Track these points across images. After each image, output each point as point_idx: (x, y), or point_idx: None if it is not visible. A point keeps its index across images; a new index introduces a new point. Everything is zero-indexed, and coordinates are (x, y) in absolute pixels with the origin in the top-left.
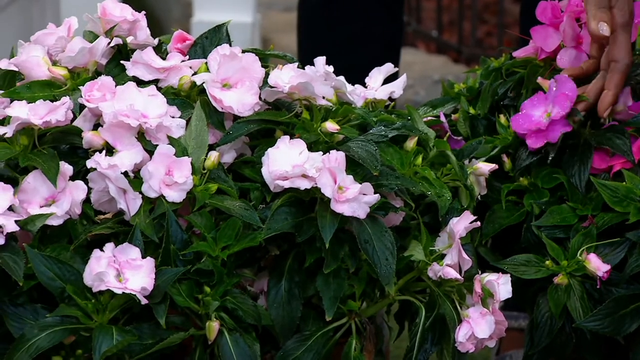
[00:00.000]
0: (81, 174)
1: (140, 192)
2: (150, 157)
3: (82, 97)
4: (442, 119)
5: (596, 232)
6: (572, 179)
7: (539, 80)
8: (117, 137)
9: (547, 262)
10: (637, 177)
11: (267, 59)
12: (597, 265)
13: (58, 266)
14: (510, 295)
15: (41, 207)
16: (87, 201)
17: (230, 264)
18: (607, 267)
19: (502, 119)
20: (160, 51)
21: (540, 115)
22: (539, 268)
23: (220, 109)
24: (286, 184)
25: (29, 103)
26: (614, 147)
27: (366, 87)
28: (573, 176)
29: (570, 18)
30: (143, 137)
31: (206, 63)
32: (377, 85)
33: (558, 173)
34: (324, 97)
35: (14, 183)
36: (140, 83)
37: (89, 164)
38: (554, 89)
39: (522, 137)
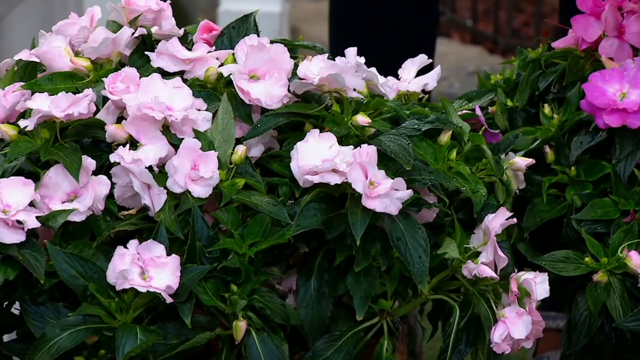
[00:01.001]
0: (104, 168)
1: (165, 188)
2: (176, 151)
3: (105, 89)
4: (478, 112)
5: (639, 228)
6: (617, 168)
7: (603, 58)
8: (141, 130)
9: (587, 259)
10: None
11: (296, 50)
12: (638, 263)
13: (80, 263)
14: (547, 295)
15: (63, 202)
16: (110, 197)
17: (258, 261)
18: None
19: (547, 109)
20: (186, 42)
21: (614, 92)
22: (577, 265)
23: (247, 102)
24: (316, 179)
25: (50, 95)
26: None
27: (399, 79)
28: (619, 164)
29: (612, 7)
30: (168, 131)
31: (233, 54)
32: (410, 77)
33: (603, 164)
34: (355, 90)
35: (35, 178)
36: (165, 75)
37: (112, 158)
38: (633, 68)
39: (591, 111)
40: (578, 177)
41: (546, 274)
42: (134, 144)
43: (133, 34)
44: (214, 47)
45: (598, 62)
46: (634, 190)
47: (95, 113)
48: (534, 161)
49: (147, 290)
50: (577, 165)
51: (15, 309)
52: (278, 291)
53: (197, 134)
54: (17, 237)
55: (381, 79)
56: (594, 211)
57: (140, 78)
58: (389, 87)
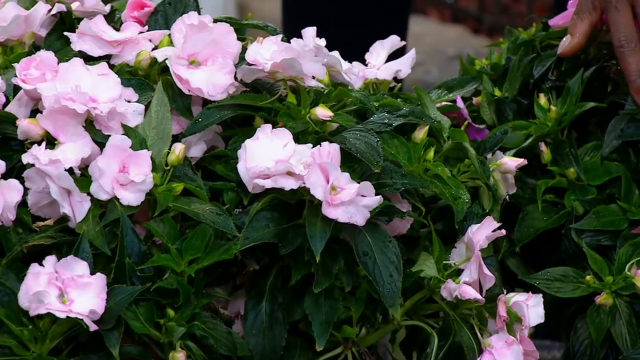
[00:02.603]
0: (15, 171)
1: (89, 194)
2: (101, 150)
3: (16, 76)
4: (460, 103)
5: None
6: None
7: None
8: (60, 125)
9: (588, 278)
10: None
11: (244, 30)
12: None
13: None
14: (542, 320)
15: None
16: (22, 204)
17: (199, 281)
18: None
19: (543, 99)
20: (113, 20)
21: None
22: (577, 285)
23: (186, 92)
24: (267, 184)
25: None
26: None
27: (366, 65)
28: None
29: None
30: (92, 126)
31: (169, 35)
32: (379, 63)
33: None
34: (313, 77)
35: None
36: (89, 59)
37: (25, 158)
38: None
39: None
40: (579, 180)
41: (540, 295)
42: (51, 142)
43: (50, 11)
44: (146, 27)
45: (603, 44)
46: None
47: (5, 106)
48: (526, 161)
49: (67, 316)
50: (579, 167)
51: None
52: (223, 316)
53: (127, 130)
54: None
55: (345, 64)
56: (597, 220)
57: (58, 64)
58: (354, 74)
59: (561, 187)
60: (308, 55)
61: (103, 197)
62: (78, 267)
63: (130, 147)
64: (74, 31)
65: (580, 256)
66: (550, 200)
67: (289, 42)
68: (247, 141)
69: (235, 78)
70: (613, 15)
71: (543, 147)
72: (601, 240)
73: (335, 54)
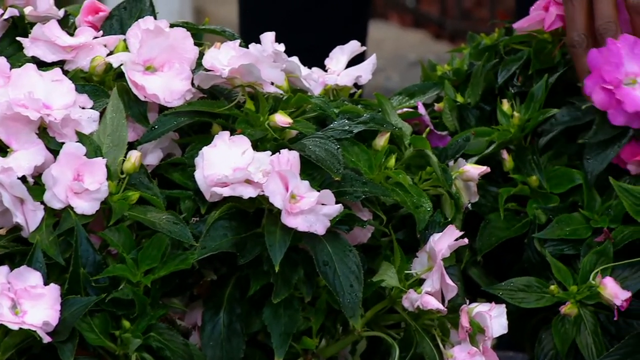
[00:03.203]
0: None
1: (42, 203)
2: (55, 158)
3: None
4: (421, 110)
5: (613, 249)
6: (586, 165)
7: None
8: (13, 133)
9: (552, 288)
10: None
11: (201, 35)
12: (614, 291)
13: None
14: (505, 331)
15: None
16: None
17: (155, 292)
18: (626, 295)
19: (506, 105)
20: (67, 25)
21: (627, 72)
22: (541, 295)
23: (142, 98)
24: (225, 192)
25: None
26: None
27: (326, 71)
28: (589, 159)
29: None
30: (45, 134)
31: (124, 40)
32: (339, 69)
33: (573, 172)
34: (272, 83)
35: None
36: (42, 65)
37: None
38: None
39: (593, 83)
40: (542, 188)
41: (504, 305)
42: (3, 149)
43: (1, 15)
44: (101, 32)
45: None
46: (608, 204)
47: None
48: (489, 169)
49: (20, 328)
50: (541, 175)
51: None
52: (180, 327)
53: (81, 138)
54: None
55: (304, 70)
56: (560, 229)
57: (10, 69)
58: (314, 80)
59: (523, 195)
60: (266, 61)
61: (57, 205)
62: (31, 277)
63: (85, 155)
64: (26, 36)
65: (543, 265)
66: (512, 209)
67: (247, 48)
68: (205, 149)
69: (193, 84)
70: (568, 11)
71: (505, 154)
72: (564, 250)
73: (295, 59)
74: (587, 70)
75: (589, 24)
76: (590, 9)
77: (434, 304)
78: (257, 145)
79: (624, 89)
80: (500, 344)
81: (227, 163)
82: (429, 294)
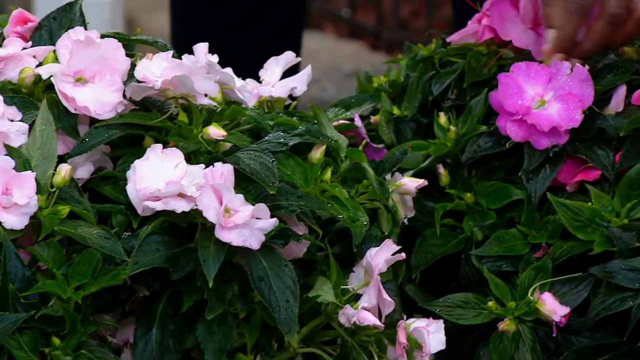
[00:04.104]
0: None
1: None
2: None
3: None
4: (358, 122)
5: (552, 265)
6: (528, 187)
7: (545, 50)
8: None
9: (490, 304)
10: (607, 196)
11: (133, 46)
12: (552, 307)
13: None
14: (443, 347)
15: None
16: None
17: (86, 308)
18: (565, 310)
19: (442, 119)
20: None
21: (532, 96)
22: (479, 311)
23: (72, 110)
24: (158, 206)
25: None
26: (592, 159)
27: (260, 82)
28: (530, 181)
29: None
30: None
31: (54, 51)
32: (274, 80)
33: (510, 188)
34: (206, 95)
35: None
36: None
37: None
38: (566, 74)
39: (498, 109)
40: (478, 204)
41: (441, 321)
42: None
43: None
44: (30, 43)
45: (506, 60)
46: (546, 219)
47: None
48: (426, 182)
49: None
50: (478, 190)
51: None
52: (111, 345)
53: (10, 151)
54: None
55: (238, 81)
56: (498, 245)
57: None
58: (248, 91)
59: (460, 210)
60: (200, 72)
61: None
62: None
63: (14, 168)
64: None
65: (481, 282)
66: (449, 224)
67: (180, 59)
68: (137, 162)
69: (124, 96)
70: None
71: (441, 169)
72: (502, 266)
73: (228, 70)
74: (568, 37)
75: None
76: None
77: (370, 319)
78: (191, 158)
79: (534, 114)
80: None
81: (159, 176)
82: (366, 310)
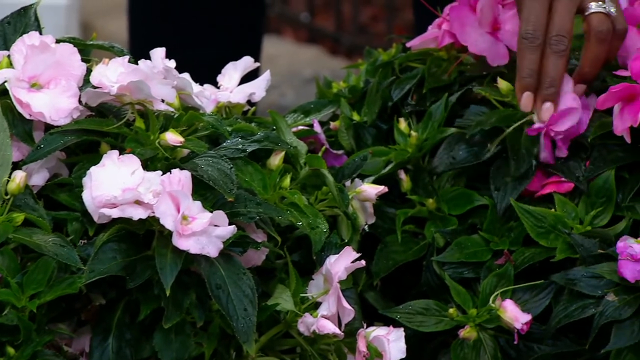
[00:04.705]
0: None
1: None
2: None
3: None
4: (317, 128)
5: (514, 272)
6: (495, 196)
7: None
8: None
9: (451, 311)
10: (571, 203)
11: (89, 51)
12: (514, 314)
13: None
14: (403, 355)
15: None
16: None
17: (41, 317)
18: (527, 318)
19: (403, 124)
20: None
21: None
22: (440, 318)
23: (27, 116)
24: (114, 213)
25: None
26: (564, 172)
27: (218, 88)
28: (498, 190)
29: None
30: None
31: (8, 56)
32: (232, 85)
33: (472, 194)
34: (163, 101)
35: None
36: None
37: None
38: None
39: None
40: (440, 210)
41: (402, 329)
42: None
43: None
44: None
45: (466, 65)
46: (508, 225)
47: None
48: (386, 189)
49: None
50: (440, 195)
51: None
52: (67, 354)
53: None
54: None
55: (196, 87)
56: (459, 252)
57: None
58: (206, 97)
59: (422, 217)
60: (157, 78)
61: None
62: None
63: None
64: None
65: (442, 288)
66: (410, 231)
67: (137, 64)
68: (93, 168)
69: (80, 102)
70: (530, 4)
71: (402, 174)
72: (464, 273)
73: (186, 76)
74: (529, 69)
75: (545, 22)
76: (550, 13)
77: (330, 328)
78: (148, 165)
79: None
80: None
81: (116, 183)
82: (325, 318)
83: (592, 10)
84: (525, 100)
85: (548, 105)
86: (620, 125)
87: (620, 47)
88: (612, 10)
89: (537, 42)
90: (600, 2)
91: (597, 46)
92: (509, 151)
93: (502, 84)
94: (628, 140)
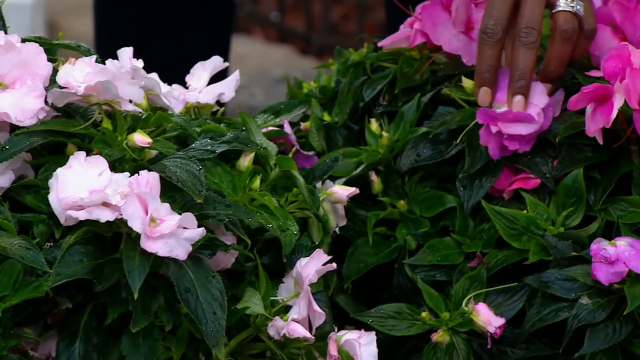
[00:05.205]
0: None
1: None
2: None
3: None
4: (287, 128)
5: (487, 274)
6: (462, 195)
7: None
8: None
9: (424, 314)
10: (542, 204)
11: (55, 51)
12: (487, 318)
13: None
14: (375, 359)
15: None
16: None
17: (7, 321)
18: (500, 321)
19: (374, 125)
20: None
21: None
22: (412, 322)
23: None
24: (81, 215)
25: None
26: (531, 168)
27: (187, 88)
28: (464, 189)
29: None
30: None
31: None
32: (200, 86)
33: (444, 195)
34: (130, 101)
35: None
36: None
37: None
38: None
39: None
40: (412, 212)
41: (373, 333)
42: None
43: None
44: None
45: (438, 65)
46: (481, 227)
47: None
48: (358, 190)
49: None
50: (412, 197)
51: None
52: (33, 358)
53: None
54: None
55: (164, 87)
56: (431, 254)
57: None
58: (174, 97)
59: (393, 219)
60: (124, 78)
61: None
62: None
63: None
64: None
65: (414, 292)
66: (381, 233)
67: (104, 64)
68: (59, 170)
69: (46, 102)
70: None
71: (373, 176)
72: (436, 276)
73: (154, 76)
74: (487, 64)
75: (507, 17)
76: (514, 8)
77: (300, 331)
78: (115, 166)
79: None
80: None
81: (83, 185)
82: (296, 322)
83: (560, 9)
84: (483, 96)
85: (519, 98)
86: (593, 127)
87: (587, 48)
88: (580, 9)
89: (496, 38)
90: (568, 1)
91: (561, 45)
92: (466, 148)
93: (467, 82)
94: (600, 141)
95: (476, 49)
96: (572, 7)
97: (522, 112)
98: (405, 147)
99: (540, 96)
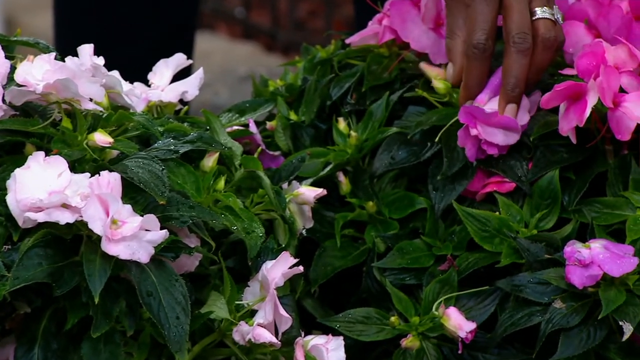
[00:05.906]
0: None
1: None
2: None
3: None
4: (253, 128)
5: (458, 278)
6: (433, 196)
7: (424, 65)
8: None
9: (393, 319)
10: (515, 206)
11: (13, 48)
12: (458, 322)
13: None
14: None
15: None
16: None
17: None
18: (471, 326)
19: (342, 124)
20: None
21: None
22: (381, 327)
23: None
24: (40, 217)
25: None
26: (506, 171)
27: (149, 86)
28: (436, 191)
29: None
30: None
31: None
32: (163, 84)
33: (414, 197)
34: (91, 100)
35: None
36: None
37: None
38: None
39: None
40: (381, 213)
41: (341, 338)
42: None
43: None
44: None
45: (408, 63)
46: (452, 229)
47: None
48: (325, 192)
49: None
50: (381, 198)
51: None
52: None
53: None
54: None
55: (126, 85)
56: (401, 257)
57: None
58: (136, 96)
59: (362, 221)
60: (85, 76)
61: None
62: None
63: None
64: None
65: (383, 295)
66: (349, 235)
67: (64, 61)
68: (17, 170)
69: (4, 101)
70: (479, 8)
71: (341, 177)
72: (406, 279)
73: (115, 73)
74: (477, 79)
75: (494, 27)
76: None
77: (266, 336)
78: (75, 167)
79: None
80: None
81: (41, 186)
82: (262, 326)
83: (539, 16)
84: None
85: (512, 106)
86: (566, 125)
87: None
88: (559, 17)
89: (488, 52)
90: (545, 8)
91: (543, 53)
92: (443, 149)
93: (439, 83)
94: (574, 140)
95: (445, 47)
96: (552, 14)
97: (509, 117)
98: (378, 148)
99: (522, 113)
